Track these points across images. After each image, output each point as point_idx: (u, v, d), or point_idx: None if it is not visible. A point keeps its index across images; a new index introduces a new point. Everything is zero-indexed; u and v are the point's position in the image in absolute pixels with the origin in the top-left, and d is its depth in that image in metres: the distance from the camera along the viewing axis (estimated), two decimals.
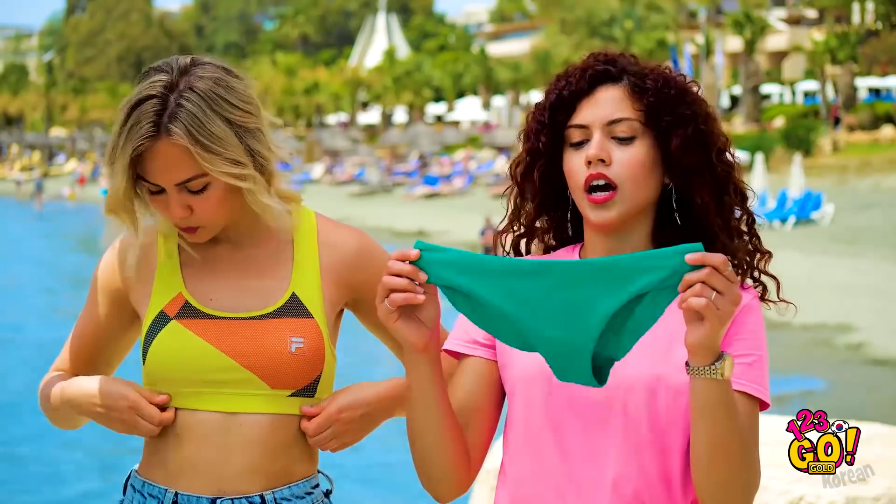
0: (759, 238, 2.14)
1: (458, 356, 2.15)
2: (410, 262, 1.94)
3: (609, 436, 2.01)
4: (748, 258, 2.13)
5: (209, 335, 2.21)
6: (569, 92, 2.08)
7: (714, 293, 1.81)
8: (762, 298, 2.12)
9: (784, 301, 2.15)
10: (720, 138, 2.09)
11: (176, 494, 2.23)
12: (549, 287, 1.91)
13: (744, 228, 2.13)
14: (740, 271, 2.11)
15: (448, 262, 1.93)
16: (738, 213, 2.13)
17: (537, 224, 2.19)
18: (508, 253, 2.20)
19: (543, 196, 2.16)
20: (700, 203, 2.07)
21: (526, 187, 2.16)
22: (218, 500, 2.21)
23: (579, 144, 2.07)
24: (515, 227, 2.19)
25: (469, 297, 1.95)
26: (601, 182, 2.03)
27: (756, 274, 2.14)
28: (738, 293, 1.84)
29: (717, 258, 1.82)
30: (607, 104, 2.06)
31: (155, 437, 2.25)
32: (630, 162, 2.03)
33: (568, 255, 2.17)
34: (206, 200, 2.15)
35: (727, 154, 2.10)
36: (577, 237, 2.21)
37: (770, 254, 2.15)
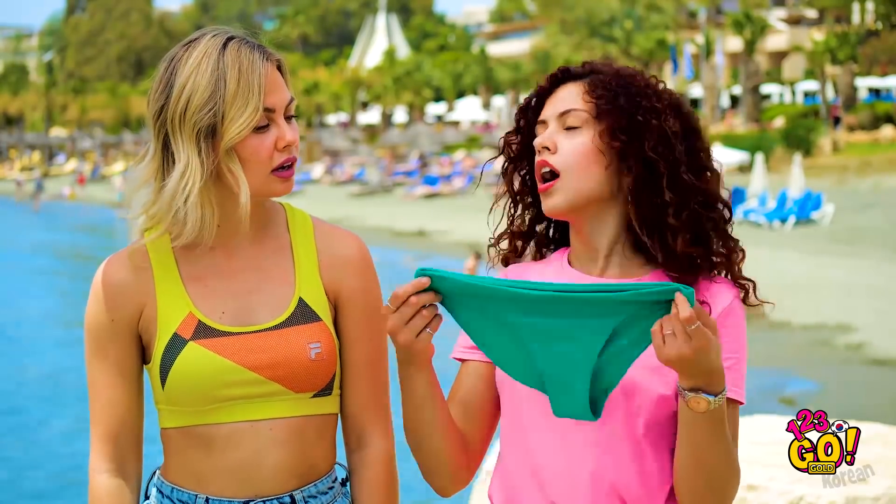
0: (727, 238, 2.14)
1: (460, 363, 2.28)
2: (425, 289, 2.02)
3: (585, 431, 2.09)
4: (721, 257, 2.13)
5: (230, 353, 2.20)
6: (535, 95, 2.21)
7: (685, 339, 1.89)
8: (744, 301, 2.14)
9: (762, 301, 2.16)
10: (660, 128, 2.10)
11: (207, 500, 2.23)
12: (548, 310, 1.99)
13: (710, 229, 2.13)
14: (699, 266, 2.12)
15: (451, 292, 2.02)
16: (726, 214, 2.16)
17: (514, 227, 2.27)
18: (503, 254, 2.28)
19: (523, 199, 2.25)
20: (626, 190, 2.11)
21: (511, 190, 2.26)
22: (251, 503, 2.22)
23: None
24: (505, 234, 2.28)
25: (471, 323, 2.06)
26: (547, 170, 2.13)
27: (726, 273, 2.16)
28: (680, 349, 1.88)
29: (684, 312, 1.88)
30: (563, 99, 2.16)
31: (182, 448, 2.24)
32: (572, 150, 2.12)
33: (559, 259, 2.23)
34: None
35: (675, 145, 2.10)
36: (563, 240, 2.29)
37: (743, 253, 2.16)
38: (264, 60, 2.20)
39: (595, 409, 2.04)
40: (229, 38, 2.20)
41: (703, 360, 1.91)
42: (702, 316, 1.90)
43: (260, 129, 2.18)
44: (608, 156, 2.11)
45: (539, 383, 2.06)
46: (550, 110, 2.17)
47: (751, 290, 2.14)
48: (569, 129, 2.14)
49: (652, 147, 2.09)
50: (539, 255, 2.28)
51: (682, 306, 1.88)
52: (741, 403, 2.10)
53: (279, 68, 2.24)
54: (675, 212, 2.09)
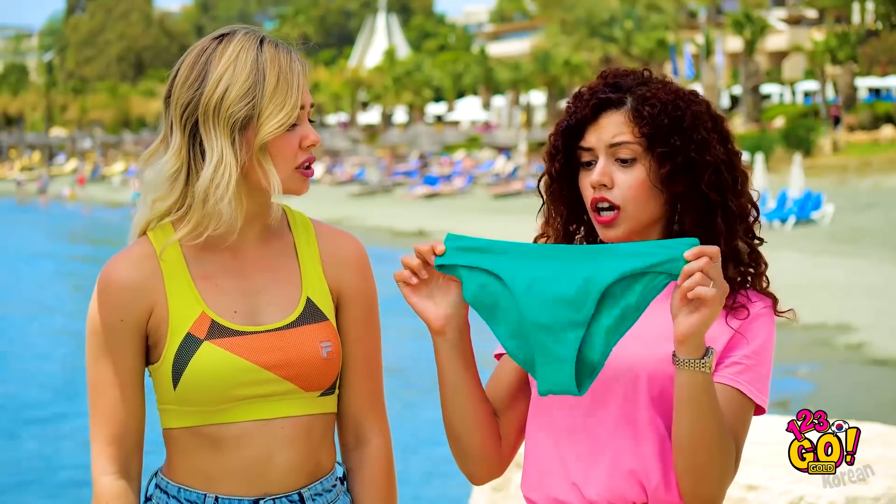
0: (756, 251, 2.21)
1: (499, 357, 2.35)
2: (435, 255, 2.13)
3: (606, 416, 2.15)
4: (749, 272, 2.20)
5: (245, 352, 2.20)
6: (575, 120, 2.22)
7: (710, 282, 1.95)
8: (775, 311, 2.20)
9: (782, 314, 2.23)
10: (713, 162, 2.15)
11: (216, 499, 2.23)
12: (555, 266, 2.07)
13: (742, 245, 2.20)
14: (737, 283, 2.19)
15: (471, 247, 2.12)
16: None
17: (550, 228, 2.32)
18: None
19: (567, 211, 2.29)
20: (686, 228, 2.18)
21: (551, 204, 2.31)
22: (261, 501, 2.23)
23: (588, 164, 2.22)
24: (546, 238, 2.33)
25: (482, 284, 2.11)
26: (605, 204, 2.17)
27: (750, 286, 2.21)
28: (725, 284, 1.98)
29: (713, 249, 1.97)
30: (610, 128, 2.18)
31: (190, 448, 2.23)
32: (631, 184, 2.16)
33: None
34: None
35: (723, 174, 2.16)
36: None
37: (766, 265, 2.21)
38: (299, 62, 2.22)
39: (580, 385, 2.07)
40: (264, 37, 2.21)
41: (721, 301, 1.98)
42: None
43: (290, 127, 2.20)
44: (666, 192, 2.16)
45: (530, 360, 2.10)
46: (597, 139, 2.18)
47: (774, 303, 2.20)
48: (621, 160, 2.17)
49: (707, 183, 2.14)
50: None
51: (707, 248, 1.96)
52: (763, 410, 2.13)
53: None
54: (725, 241, 2.16)
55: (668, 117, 2.15)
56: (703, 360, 1.99)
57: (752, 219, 2.21)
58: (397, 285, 2.17)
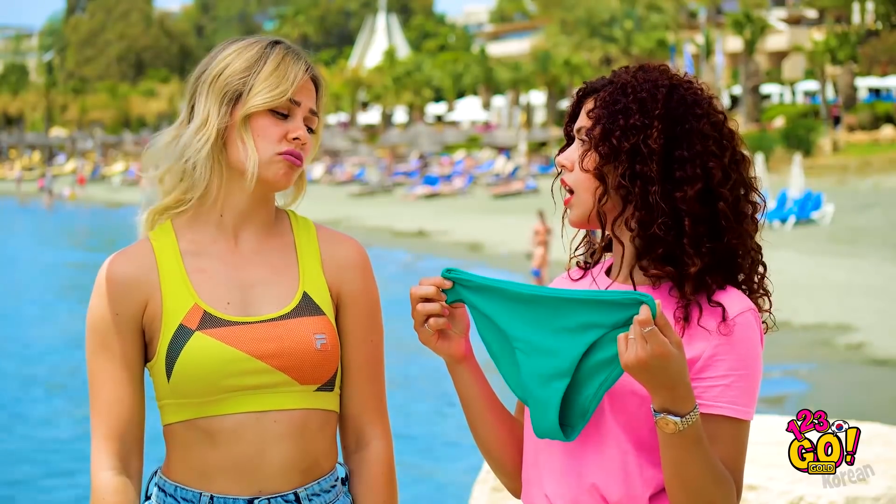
0: (732, 250, 2.10)
1: None
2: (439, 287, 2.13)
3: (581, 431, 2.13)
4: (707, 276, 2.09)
5: (237, 342, 2.22)
6: (571, 109, 2.27)
7: (642, 344, 1.91)
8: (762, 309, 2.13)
9: (767, 311, 2.15)
10: (631, 149, 2.09)
11: (211, 497, 2.24)
12: (541, 314, 2.08)
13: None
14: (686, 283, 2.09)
15: (470, 285, 2.13)
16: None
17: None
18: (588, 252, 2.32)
19: None
20: (608, 221, 2.15)
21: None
22: (255, 501, 2.24)
23: None
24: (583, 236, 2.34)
25: (487, 318, 2.14)
26: (567, 187, 2.20)
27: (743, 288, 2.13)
28: (657, 343, 1.89)
29: (640, 315, 1.91)
30: (581, 115, 2.21)
31: (186, 443, 2.25)
32: (580, 168, 2.17)
33: (601, 266, 2.27)
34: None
35: (649, 164, 2.07)
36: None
37: (764, 266, 2.14)
38: (306, 67, 2.30)
39: (569, 432, 2.09)
40: (278, 41, 2.32)
41: (661, 368, 1.90)
42: (665, 329, 1.91)
43: (280, 115, 2.26)
44: (595, 179, 2.14)
45: (525, 401, 2.14)
46: (574, 126, 2.22)
47: (763, 305, 2.12)
48: (582, 145, 2.18)
49: (622, 172, 2.10)
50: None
51: (642, 311, 1.91)
52: (745, 421, 2.06)
53: (317, 85, 2.33)
54: (639, 232, 2.09)
55: (604, 103, 2.14)
56: (655, 414, 1.96)
57: (737, 218, 2.09)
58: (424, 336, 2.16)
